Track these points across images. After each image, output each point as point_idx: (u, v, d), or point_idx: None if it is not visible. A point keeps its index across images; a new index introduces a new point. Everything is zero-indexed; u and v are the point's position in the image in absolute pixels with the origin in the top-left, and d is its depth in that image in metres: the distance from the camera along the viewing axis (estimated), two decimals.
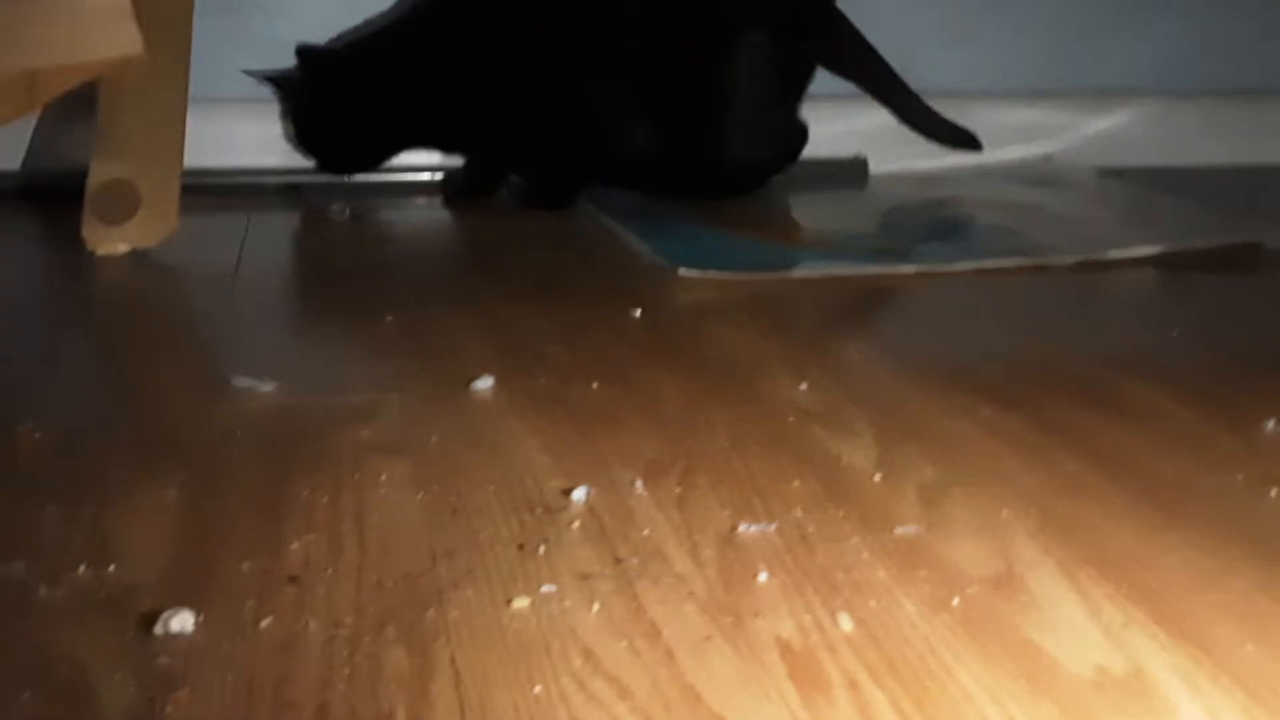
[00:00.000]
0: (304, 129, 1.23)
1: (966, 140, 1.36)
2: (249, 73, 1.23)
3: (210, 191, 1.24)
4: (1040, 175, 1.43)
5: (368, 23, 1.27)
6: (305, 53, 1.20)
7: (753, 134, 1.26)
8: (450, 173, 1.32)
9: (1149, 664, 0.44)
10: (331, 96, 1.22)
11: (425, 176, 1.33)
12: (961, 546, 0.52)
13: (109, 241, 1.02)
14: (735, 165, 1.27)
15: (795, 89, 1.29)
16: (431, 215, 1.26)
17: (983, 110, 1.43)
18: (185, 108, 1.03)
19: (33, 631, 0.45)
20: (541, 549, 0.52)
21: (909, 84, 1.33)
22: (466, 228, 1.22)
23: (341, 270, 1.04)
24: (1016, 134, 1.46)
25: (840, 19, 1.30)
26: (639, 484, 0.59)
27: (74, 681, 0.42)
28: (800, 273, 1.01)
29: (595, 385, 0.73)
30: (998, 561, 0.51)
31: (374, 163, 1.28)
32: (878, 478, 0.60)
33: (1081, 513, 0.56)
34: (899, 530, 0.54)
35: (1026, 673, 0.43)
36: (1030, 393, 0.72)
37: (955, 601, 0.48)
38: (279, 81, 1.23)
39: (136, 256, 1.02)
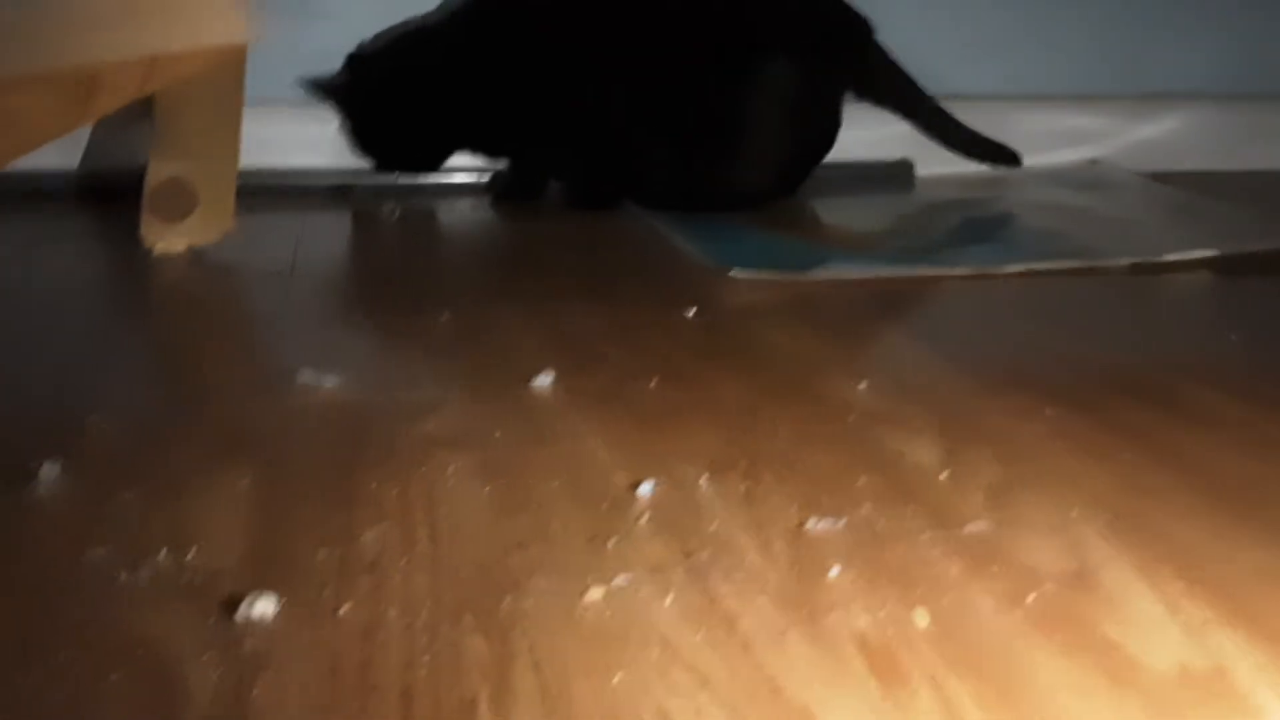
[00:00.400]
0: (357, 133, 1.24)
1: (1006, 157, 1.35)
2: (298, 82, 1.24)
3: (264, 192, 1.26)
4: (1087, 179, 1.42)
5: (406, 22, 1.28)
6: (354, 59, 1.22)
7: (771, 154, 1.25)
8: (497, 174, 1.33)
9: (1232, 663, 0.44)
10: (380, 100, 1.23)
11: (473, 178, 1.34)
12: (1033, 544, 0.52)
13: (167, 239, 1.03)
14: (759, 177, 1.27)
15: (825, 107, 1.29)
16: (479, 216, 1.27)
17: (1029, 114, 1.43)
18: (242, 107, 1.04)
19: (117, 615, 0.46)
20: (612, 542, 0.52)
21: (957, 87, 1.33)
22: (515, 228, 1.23)
23: (395, 269, 1.05)
24: (1063, 138, 1.46)
25: (874, 49, 1.29)
26: (704, 480, 0.59)
27: (161, 664, 0.43)
28: (851, 274, 1.01)
29: (654, 383, 0.73)
30: (1070, 559, 0.51)
31: (428, 164, 1.29)
32: (944, 476, 0.60)
33: (1152, 513, 0.56)
34: (969, 528, 0.54)
35: (1107, 669, 0.43)
36: (1092, 394, 0.71)
37: (1030, 598, 0.48)
38: (327, 89, 1.24)
39: (194, 254, 1.03)
